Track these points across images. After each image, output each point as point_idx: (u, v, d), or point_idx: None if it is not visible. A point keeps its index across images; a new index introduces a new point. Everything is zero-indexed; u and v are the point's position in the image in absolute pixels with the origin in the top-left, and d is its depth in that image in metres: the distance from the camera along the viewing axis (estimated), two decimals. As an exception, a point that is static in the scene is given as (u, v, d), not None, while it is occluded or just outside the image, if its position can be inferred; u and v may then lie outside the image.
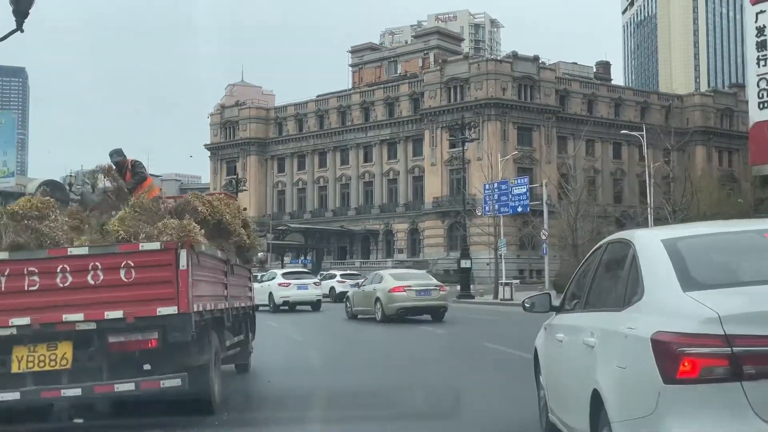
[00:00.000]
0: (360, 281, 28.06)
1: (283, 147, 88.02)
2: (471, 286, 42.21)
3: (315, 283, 31.93)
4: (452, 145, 72.27)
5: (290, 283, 29.73)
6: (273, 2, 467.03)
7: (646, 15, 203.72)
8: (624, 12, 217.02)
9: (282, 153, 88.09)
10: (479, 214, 55.63)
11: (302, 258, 72.31)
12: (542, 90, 72.90)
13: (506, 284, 37.41)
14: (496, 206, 49.09)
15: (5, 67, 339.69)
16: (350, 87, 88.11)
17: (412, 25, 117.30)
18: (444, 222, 71.88)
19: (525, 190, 48.30)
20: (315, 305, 30.21)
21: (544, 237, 47.02)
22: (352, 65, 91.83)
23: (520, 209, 49.10)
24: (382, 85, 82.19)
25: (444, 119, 72.35)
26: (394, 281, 22.64)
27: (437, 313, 22.50)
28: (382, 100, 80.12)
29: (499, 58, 71.04)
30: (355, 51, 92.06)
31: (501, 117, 70.04)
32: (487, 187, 49.73)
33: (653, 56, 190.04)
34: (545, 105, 72.32)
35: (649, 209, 54.13)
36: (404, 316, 22.17)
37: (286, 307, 29.32)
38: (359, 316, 24.13)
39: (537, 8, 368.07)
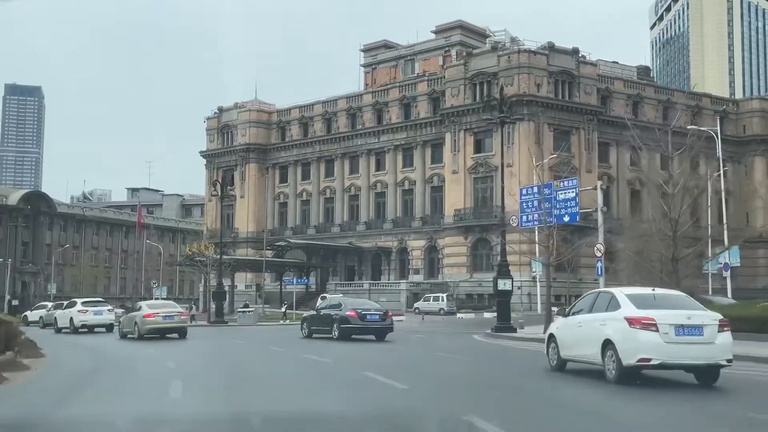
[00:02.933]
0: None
1: (286, 154, 78.68)
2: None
3: (109, 310, 36.98)
4: (477, 150, 62.78)
5: (88, 310, 35.30)
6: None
7: (676, 31, 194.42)
8: (652, 28, 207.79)
9: (284, 161, 78.73)
10: (514, 224, 45.70)
11: (304, 278, 62.58)
12: (582, 87, 63.22)
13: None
14: (535, 216, 39.07)
15: (22, 86, 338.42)
16: (362, 90, 78.78)
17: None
18: (467, 238, 62.02)
19: (574, 194, 38.12)
20: (109, 328, 34.95)
21: (599, 254, 36.90)
22: (364, 65, 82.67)
23: (567, 218, 38.93)
24: (398, 84, 72.78)
25: (468, 120, 62.81)
26: (148, 309, 28.92)
27: (181, 332, 28.63)
28: (397, 100, 70.69)
29: (533, 49, 61.46)
30: (368, 49, 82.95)
31: (534, 117, 60.38)
32: (524, 192, 39.73)
33: (684, 72, 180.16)
34: (586, 105, 62.60)
35: (724, 229, 45.52)
36: (154, 334, 28.02)
37: (86, 330, 34.57)
38: (128, 336, 29.06)
39: (558, 27, 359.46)
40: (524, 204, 39.82)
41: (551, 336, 14.93)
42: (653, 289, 13.65)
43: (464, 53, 65.16)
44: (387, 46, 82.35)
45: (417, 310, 55.45)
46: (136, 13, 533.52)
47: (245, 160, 79.48)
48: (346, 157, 74.12)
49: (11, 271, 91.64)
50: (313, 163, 76.48)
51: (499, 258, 60.05)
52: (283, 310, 48.30)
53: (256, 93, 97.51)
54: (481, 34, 77.28)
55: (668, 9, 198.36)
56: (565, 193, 38.26)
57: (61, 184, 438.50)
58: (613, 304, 12.92)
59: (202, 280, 73.95)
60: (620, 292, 13.23)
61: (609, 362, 12.47)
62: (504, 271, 31.04)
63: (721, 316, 12.53)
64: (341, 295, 58.20)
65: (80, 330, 34.23)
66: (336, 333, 25.96)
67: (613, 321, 12.52)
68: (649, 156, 68.30)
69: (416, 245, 67.70)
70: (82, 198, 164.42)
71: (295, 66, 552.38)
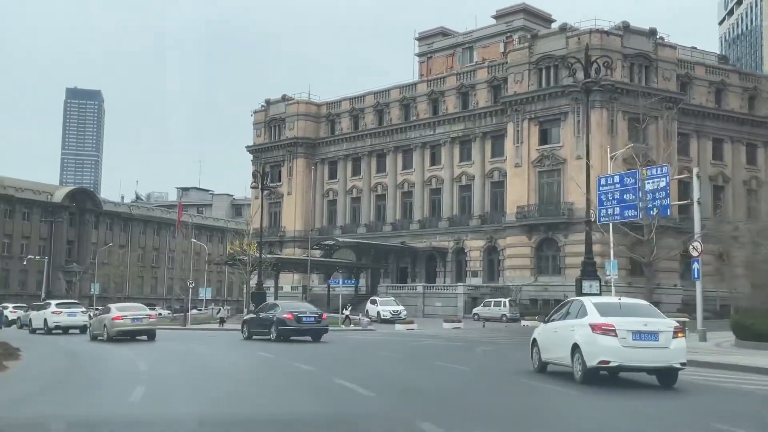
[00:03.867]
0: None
1: (335, 148, 74.18)
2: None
3: (82, 312, 36.94)
4: (543, 141, 57.23)
5: (62, 311, 35.62)
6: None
7: (747, 26, 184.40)
8: (721, 23, 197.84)
9: (334, 155, 74.25)
10: (593, 220, 40.07)
11: (353, 279, 57.80)
12: (660, 72, 57.17)
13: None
14: (617, 209, 33.66)
15: (82, 90, 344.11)
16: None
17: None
18: (531, 238, 56.47)
19: (665, 184, 32.32)
20: (83, 329, 34.44)
21: (695, 254, 31.20)
22: (419, 54, 77.74)
23: (655, 211, 33.20)
24: (455, 72, 67.60)
25: (533, 108, 57.35)
26: (117, 312, 28.83)
27: (150, 334, 28.56)
28: (455, 89, 65.52)
29: (605, 29, 55.62)
30: (422, 38, 77.99)
31: (608, 104, 54.56)
32: (603, 182, 34.13)
33: (757, 69, 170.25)
34: (664, 91, 56.48)
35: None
36: (123, 337, 28.30)
37: (60, 330, 34.69)
38: (98, 338, 28.88)
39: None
40: (603, 196, 34.17)
41: (534, 340, 16.14)
42: (620, 298, 15.14)
43: (529, 36, 59.59)
44: (443, 33, 77.28)
45: (476, 317, 50.30)
46: (186, 16, 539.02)
47: (293, 155, 75.29)
48: (398, 151, 69.26)
49: (54, 269, 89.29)
50: (364, 158, 71.82)
51: (565, 260, 54.77)
52: (346, 313, 43.75)
53: (310, 89, 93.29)
54: (546, 19, 71.59)
55: (739, 2, 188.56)
56: (654, 182, 32.55)
57: (120, 186, 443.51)
58: (581, 312, 14.27)
59: (245, 281, 70.08)
60: (588, 301, 14.77)
61: (576, 364, 13.83)
62: (590, 272, 25.91)
63: (676, 324, 13.90)
64: (393, 298, 53.39)
65: (54, 331, 34.63)
66: (273, 334, 27.18)
67: (580, 327, 13.86)
68: (733, 149, 62.17)
69: (474, 245, 62.37)
70: (135, 199, 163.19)
71: (346, 59, 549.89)
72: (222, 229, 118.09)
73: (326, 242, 65.06)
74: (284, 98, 77.58)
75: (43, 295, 64.61)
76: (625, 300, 14.91)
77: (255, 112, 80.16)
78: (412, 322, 42.85)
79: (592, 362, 13.16)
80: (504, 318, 48.26)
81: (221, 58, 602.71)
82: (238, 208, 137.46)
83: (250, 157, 79.70)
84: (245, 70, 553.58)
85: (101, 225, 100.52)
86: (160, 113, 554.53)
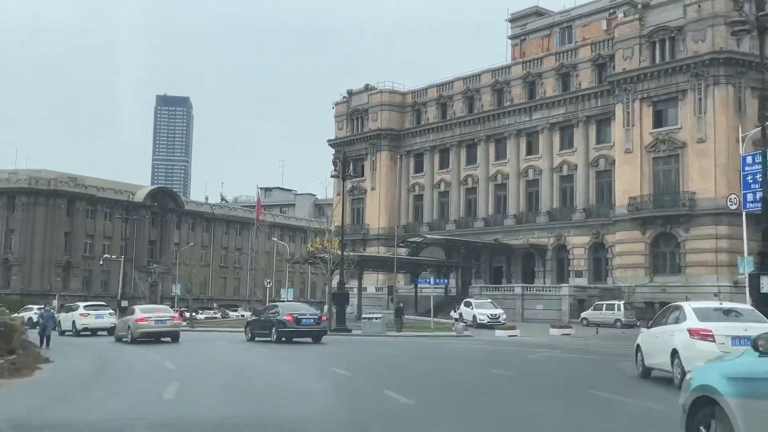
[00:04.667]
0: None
1: (422, 139, 69.22)
2: None
3: (110, 313, 37.47)
4: (657, 123, 50.77)
5: (90, 313, 36.39)
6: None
7: None
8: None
9: (420, 147, 69.30)
10: (733, 207, 33.81)
11: (442, 278, 52.67)
12: (796, 41, 49.74)
13: None
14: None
15: (171, 96, 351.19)
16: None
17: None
18: (645, 233, 50.03)
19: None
20: (110, 330, 33.60)
21: None
22: (511, 37, 71.97)
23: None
24: (553, 52, 61.62)
25: (645, 87, 50.95)
26: (141, 313, 28.88)
27: (174, 336, 28.73)
28: (553, 70, 59.55)
29: (731, -6, 48.85)
30: (515, 19, 72.18)
31: (734, 79, 47.68)
32: (750, 161, 27.81)
33: None
34: (801, 62, 49.06)
35: None
36: (146, 338, 27.95)
37: (88, 332, 35.06)
38: (123, 340, 28.98)
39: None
40: (749, 177, 27.89)
41: (637, 346, 16.16)
42: (721, 303, 15.94)
43: (639, 5, 53.11)
44: (538, 13, 71.27)
45: (585, 321, 44.40)
46: (267, 20, 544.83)
47: (376, 148, 70.73)
48: (491, 141, 63.74)
49: (136, 270, 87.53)
50: (453, 149, 66.59)
51: (686, 257, 48.18)
52: (456, 315, 38.96)
53: (394, 78, 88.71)
54: (654, -8, 64.59)
55: None
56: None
57: (206, 189, 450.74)
58: (681, 317, 14.45)
59: (327, 282, 65.90)
60: (688, 306, 14.83)
61: (675, 369, 13.82)
62: None
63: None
64: (490, 300, 47.97)
65: (82, 333, 34.88)
66: (274, 336, 27.69)
67: (679, 332, 14.06)
68: None
69: (578, 242, 56.25)
70: (221, 201, 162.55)
71: (431, 46, 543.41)
72: (305, 229, 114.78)
73: (413, 239, 60.14)
74: (367, 88, 73.16)
75: (118, 297, 62.08)
76: (728, 304, 15.63)
77: (336, 104, 76.03)
78: (513, 328, 37.51)
79: (689, 367, 12.38)
80: (618, 323, 42.21)
81: (304, 54, 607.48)
82: (321, 208, 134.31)
83: (332, 152, 75.61)
84: (329, 65, 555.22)
85: (183, 225, 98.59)
86: (245, 117, 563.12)
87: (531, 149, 60.90)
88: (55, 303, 75.82)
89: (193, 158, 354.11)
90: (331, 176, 47.31)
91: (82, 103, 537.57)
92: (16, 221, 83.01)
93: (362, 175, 71.54)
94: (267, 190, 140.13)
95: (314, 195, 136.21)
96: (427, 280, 42.66)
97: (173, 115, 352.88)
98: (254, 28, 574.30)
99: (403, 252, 61.39)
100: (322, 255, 48.98)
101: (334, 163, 46.49)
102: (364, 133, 71.79)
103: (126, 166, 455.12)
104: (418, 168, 69.70)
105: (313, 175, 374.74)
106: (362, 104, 72.84)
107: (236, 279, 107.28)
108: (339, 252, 45.68)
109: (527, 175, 60.83)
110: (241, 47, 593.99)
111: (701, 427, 5.44)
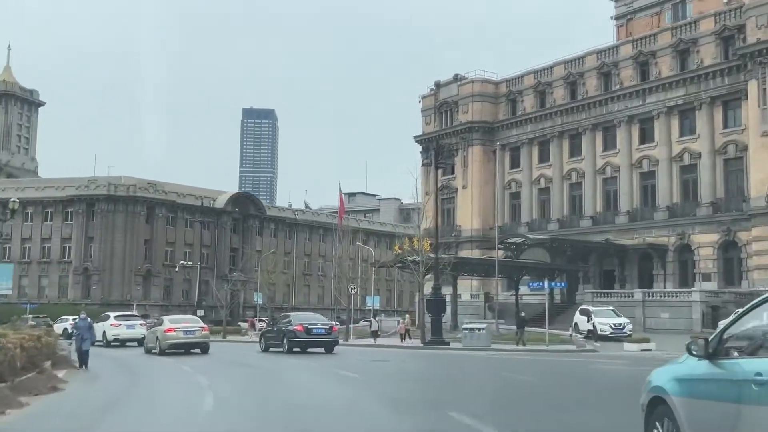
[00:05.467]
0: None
1: (518, 131, 63.10)
2: None
3: (141, 324, 36.45)
4: (802, 99, 43.30)
5: (120, 324, 35.76)
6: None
7: None
8: None
9: (516, 140, 63.19)
10: None
11: (547, 281, 46.39)
12: None
13: None
14: None
15: (257, 109, 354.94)
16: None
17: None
18: (790, 228, 42.62)
19: None
20: (141, 341, 32.47)
21: None
22: (616, 17, 65.24)
23: None
24: (669, 27, 54.64)
25: (785, 58, 43.59)
26: (169, 324, 27.94)
27: (203, 347, 27.67)
28: (670, 47, 52.60)
29: None
30: (620, -3, 65.31)
31: None
32: None
33: None
34: None
35: None
36: (176, 350, 26.66)
37: (117, 343, 34.36)
38: (152, 351, 27.73)
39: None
40: None
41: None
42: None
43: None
44: (646, -11, 64.20)
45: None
46: (346, 28, 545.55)
47: (468, 143, 64.98)
48: (597, 130, 57.18)
49: (217, 278, 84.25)
50: (554, 141, 60.25)
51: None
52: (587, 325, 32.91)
53: (485, 66, 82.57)
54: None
55: None
56: None
57: (290, 197, 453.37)
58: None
59: (418, 288, 60.54)
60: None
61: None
62: None
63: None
64: (611, 308, 41.48)
65: (112, 344, 34.26)
66: (285, 346, 27.31)
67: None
68: None
69: (705, 240, 49.05)
70: (305, 208, 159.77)
71: (525, 31, 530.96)
72: (390, 234, 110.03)
73: (512, 240, 54.05)
74: (456, 78, 67.54)
75: (195, 306, 58.48)
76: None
77: (423, 97, 70.70)
78: (647, 341, 31.13)
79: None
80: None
81: (387, 59, 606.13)
82: (406, 212, 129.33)
83: (420, 149, 70.27)
84: (416, 64, 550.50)
85: (265, 231, 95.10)
86: (329, 125, 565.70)
87: (645, 137, 54.05)
88: (135, 312, 73.15)
89: (279, 169, 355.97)
90: (423, 164, 41.91)
91: (171, 118, 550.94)
92: (95, 229, 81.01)
93: (453, 173, 65.85)
94: (350, 195, 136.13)
95: (399, 199, 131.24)
96: (540, 283, 36.57)
97: (259, 127, 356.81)
98: (336, 33, 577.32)
99: (499, 255, 55.53)
100: (412, 257, 43.75)
101: (425, 150, 41.10)
102: (454, 127, 66.18)
103: (214, 178, 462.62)
104: (515, 163, 63.61)
105: (397, 180, 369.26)
106: (451, 96, 67.29)
107: (320, 287, 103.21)
108: (432, 254, 40.32)
109: (641, 166, 53.97)
110: (324, 54, 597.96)
111: (657, 424, 6.14)
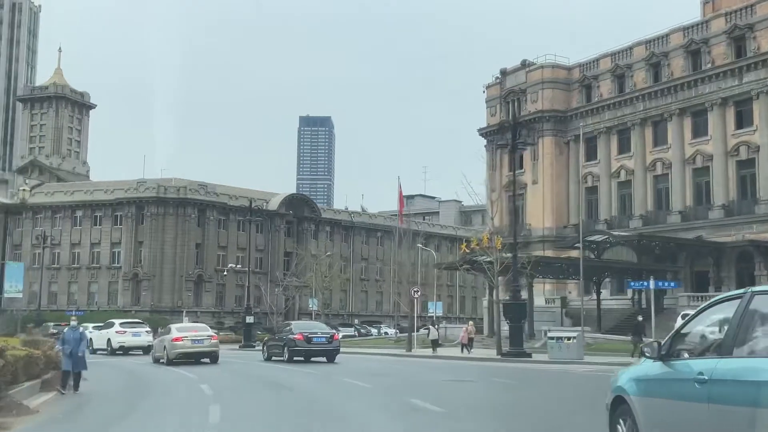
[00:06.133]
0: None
1: (594, 120, 57.49)
2: None
3: (147, 331, 35.98)
4: None
5: (126, 331, 35.23)
6: None
7: None
8: None
9: (592, 129, 57.53)
10: None
11: (653, 280, 40.65)
12: None
13: None
14: None
15: (314, 117, 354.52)
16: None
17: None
18: None
19: None
20: (146, 350, 32.64)
21: None
22: (701, -8, 58.99)
23: None
24: (767, -2, 48.52)
25: None
26: (177, 332, 26.90)
27: (212, 357, 26.70)
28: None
29: None
30: (705, -30, 59.09)
31: None
32: None
33: None
34: None
35: None
36: (184, 359, 25.92)
37: (122, 352, 33.81)
38: (160, 361, 26.73)
39: None
40: None
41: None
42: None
43: None
44: (736, -41, 57.90)
45: None
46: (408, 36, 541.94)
47: (537, 134, 59.56)
48: (685, 115, 51.28)
49: (271, 284, 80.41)
50: (635, 129, 54.50)
51: None
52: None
53: (556, 51, 76.76)
54: None
55: None
56: None
57: (351, 206, 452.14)
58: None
59: (487, 291, 55.49)
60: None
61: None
62: None
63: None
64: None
65: (117, 351, 33.34)
66: (286, 355, 27.03)
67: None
68: None
69: (818, 236, 42.82)
70: (361, 212, 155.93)
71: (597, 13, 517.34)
72: (451, 237, 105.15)
73: (593, 238, 48.43)
74: (524, 65, 62.25)
75: (244, 313, 54.40)
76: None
77: (488, 86, 65.56)
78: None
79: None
80: None
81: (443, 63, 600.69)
82: (467, 215, 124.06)
83: (485, 142, 65.17)
84: (476, 58, 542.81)
85: (320, 234, 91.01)
86: (386, 129, 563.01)
87: (742, 121, 48.01)
88: (186, 319, 69.71)
89: (335, 175, 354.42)
90: (497, 146, 36.97)
91: (229, 129, 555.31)
92: (145, 233, 78.08)
93: (521, 167, 60.50)
94: (409, 197, 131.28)
95: (459, 201, 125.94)
96: (645, 283, 31.16)
97: (315, 135, 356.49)
98: (392, 34, 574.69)
99: (574, 255, 50.19)
100: (481, 257, 38.86)
101: (501, 128, 36.24)
102: (522, 118, 60.78)
103: (271, 187, 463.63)
104: (591, 154, 58.00)
105: (457, 181, 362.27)
106: (519, 84, 62.01)
107: (378, 292, 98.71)
108: (505, 253, 35.35)
109: (738, 153, 47.91)
110: (377, 58, 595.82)
111: (620, 421, 6.55)
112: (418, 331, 49.45)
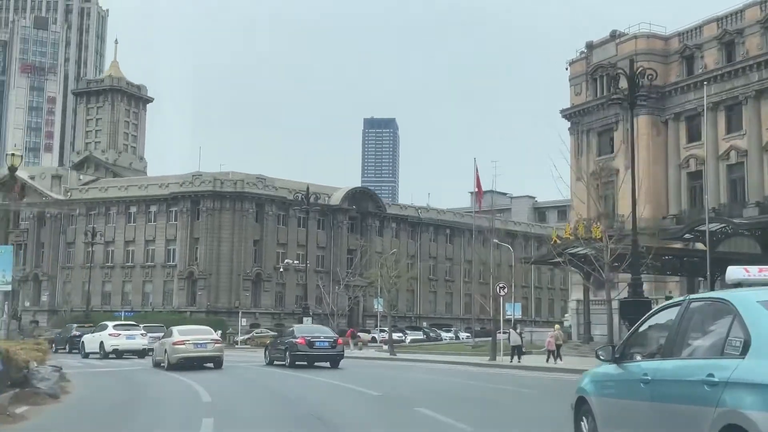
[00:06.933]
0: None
1: (697, 95, 50.15)
2: None
3: (142, 334, 34.12)
4: None
5: (120, 334, 33.01)
6: None
7: None
8: None
9: (695, 106, 50.32)
10: None
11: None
12: None
13: None
14: None
15: (378, 119, 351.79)
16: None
17: None
18: None
19: None
20: (141, 353, 32.32)
21: None
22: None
23: None
24: None
25: None
26: (178, 335, 25.74)
27: (216, 361, 25.50)
28: None
29: None
30: None
31: None
32: None
33: None
34: None
35: None
36: (185, 364, 24.57)
37: (114, 355, 32.19)
38: (161, 365, 25.67)
39: None
40: None
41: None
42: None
43: None
44: None
45: None
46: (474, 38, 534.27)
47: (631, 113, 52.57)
48: (813, 83, 43.79)
49: (333, 283, 75.15)
50: (748, 103, 47.17)
51: None
52: None
53: (650, 19, 68.92)
54: None
55: None
56: None
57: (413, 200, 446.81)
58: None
59: (571, 292, 49.09)
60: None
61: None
62: None
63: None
64: None
65: (110, 355, 32.22)
66: (288, 360, 26.15)
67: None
68: None
69: None
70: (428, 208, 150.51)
71: None
72: (525, 234, 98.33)
73: (710, 227, 41.30)
74: (613, 36, 55.36)
75: (302, 314, 49.24)
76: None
77: (571, 62, 58.84)
78: None
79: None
80: None
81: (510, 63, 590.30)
82: (541, 212, 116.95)
83: (567, 126, 58.55)
84: (546, 49, 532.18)
85: (386, 231, 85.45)
86: (453, 128, 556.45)
87: None
88: (243, 322, 65.03)
89: (400, 177, 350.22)
90: (611, 100, 31.68)
91: (293, 131, 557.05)
92: (200, 229, 73.81)
93: (611, 151, 53.85)
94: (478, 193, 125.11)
95: (533, 197, 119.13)
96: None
97: (380, 137, 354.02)
98: (455, 32, 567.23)
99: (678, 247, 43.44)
100: (575, 249, 32.73)
101: (615, 78, 30.44)
102: (613, 95, 53.90)
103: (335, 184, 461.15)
104: (693, 135, 50.82)
105: (528, 176, 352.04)
106: (608, 58, 55.10)
107: (447, 293, 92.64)
108: (609, 243, 29.19)
109: None
110: (440, 59, 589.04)
111: (583, 419, 7.11)
112: (489, 336, 43.66)
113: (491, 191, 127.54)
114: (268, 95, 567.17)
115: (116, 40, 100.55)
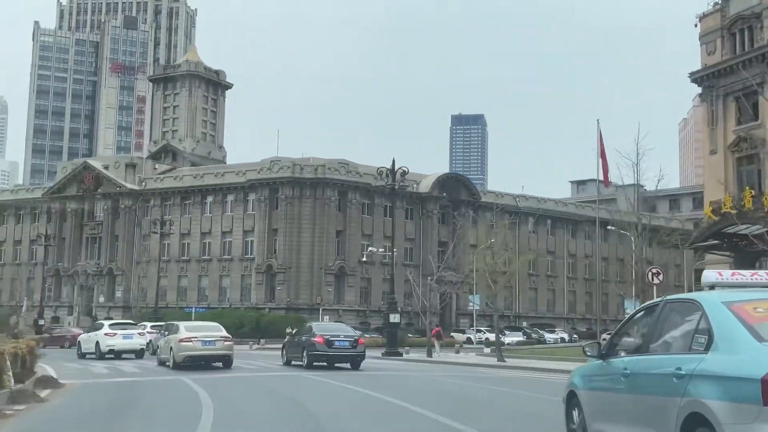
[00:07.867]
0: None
1: None
2: None
3: (139, 333, 33.21)
4: None
5: (116, 333, 31.21)
6: None
7: None
8: None
9: None
10: None
11: None
12: None
13: None
14: None
15: (466, 116, 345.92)
16: None
17: None
18: None
19: None
20: (139, 353, 31.24)
21: None
22: None
23: None
24: None
25: None
26: (185, 332, 24.28)
27: (225, 360, 24.07)
28: None
29: None
30: None
31: None
32: None
33: None
34: None
35: None
36: (192, 363, 23.35)
37: (112, 356, 30.53)
38: (166, 364, 24.79)
39: None
40: None
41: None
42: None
43: None
44: None
45: None
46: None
47: (780, 72, 43.50)
48: None
49: (423, 278, 68.14)
50: None
51: None
52: None
53: None
54: None
55: None
56: None
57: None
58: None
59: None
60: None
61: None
62: None
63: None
64: None
65: (107, 356, 30.65)
66: (305, 360, 24.95)
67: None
68: None
69: None
70: (527, 196, 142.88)
71: None
72: (635, 225, 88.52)
73: None
74: (757, -20, 46.24)
75: (386, 311, 42.56)
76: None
77: (702, 16, 49.90)
78: None
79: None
80: None
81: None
82: (651, 201, 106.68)
83: (691, 98, 49.79)
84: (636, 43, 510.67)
85: (480, 221, 77.72)
86: (543, 120, 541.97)
87: None
88: (326, 318, 58.93)
89: (488, 174, 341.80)
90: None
91: (380, 128, 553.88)
92: (279, 219, 68.12)
93: (755, 118, 44.86)
94: (580, 183, 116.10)
95: (642, 185, 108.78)
96: None
97: (468, 134, 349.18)
98: (544, 27, 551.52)
99: None
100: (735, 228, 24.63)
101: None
102: (758, 51, 44.86)
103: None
104: None
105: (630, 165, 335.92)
106: (750, 7, 46.05)
107: (550, 290, 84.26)
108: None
109: None
110: (528, 55, 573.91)
111: (573, 411, 7.65)
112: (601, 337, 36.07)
113: (592, 180, 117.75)
114: (352, 88, 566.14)
115: (194, 24, 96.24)
